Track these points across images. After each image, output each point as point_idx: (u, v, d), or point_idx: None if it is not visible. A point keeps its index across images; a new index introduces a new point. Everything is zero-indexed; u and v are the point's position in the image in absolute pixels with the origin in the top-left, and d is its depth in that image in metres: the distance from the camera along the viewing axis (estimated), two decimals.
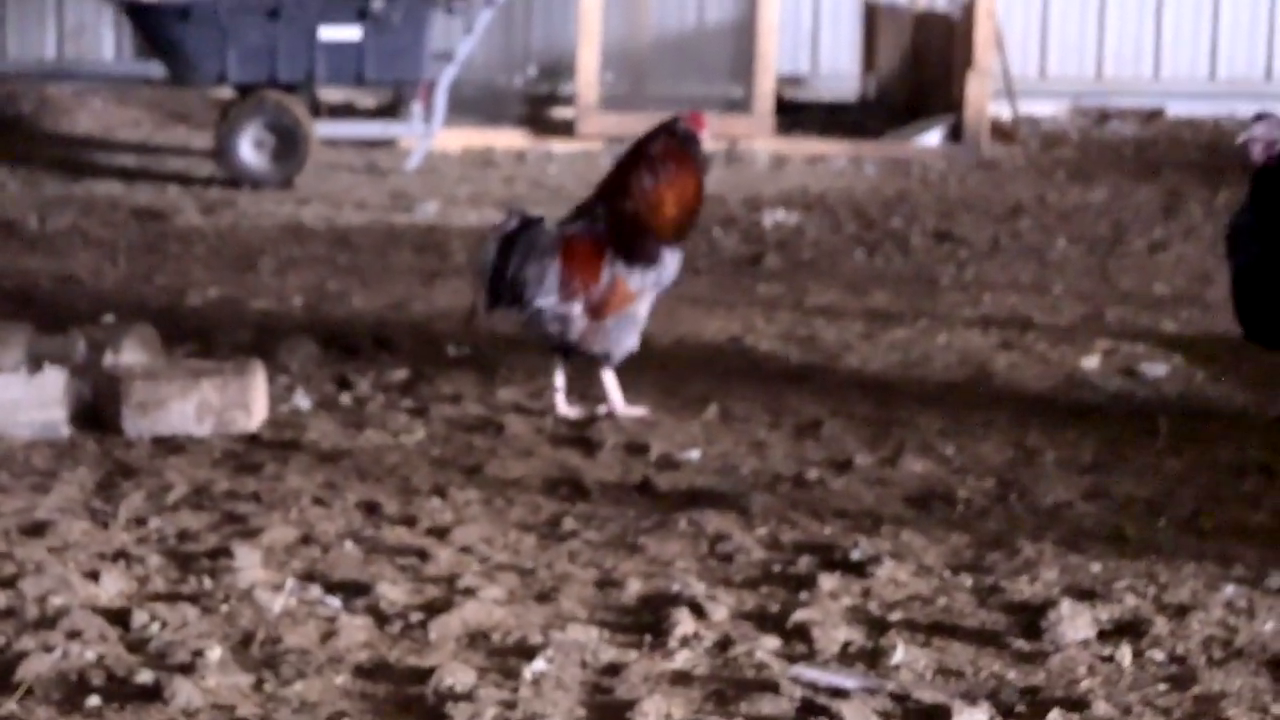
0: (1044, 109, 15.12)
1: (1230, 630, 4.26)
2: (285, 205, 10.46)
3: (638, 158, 6.14)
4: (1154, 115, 15.23)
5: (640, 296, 6.06)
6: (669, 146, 6.11)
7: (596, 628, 4.19)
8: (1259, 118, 6.08)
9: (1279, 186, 5.95)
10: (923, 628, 4.24)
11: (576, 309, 6.01)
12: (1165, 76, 16.19)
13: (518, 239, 5.96)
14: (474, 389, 6.36)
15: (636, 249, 6.04)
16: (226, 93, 11.95)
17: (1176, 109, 15.33)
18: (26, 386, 5.68)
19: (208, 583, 4.42)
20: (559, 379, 6.14)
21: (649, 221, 6.06)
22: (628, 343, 6.10)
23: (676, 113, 6.27)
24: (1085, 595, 4.42)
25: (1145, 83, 16.11)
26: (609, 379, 6.11)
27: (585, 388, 6.24)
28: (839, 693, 3.86)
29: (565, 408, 6.12)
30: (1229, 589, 4.51)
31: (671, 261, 6.09)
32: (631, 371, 6.21)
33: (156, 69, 11.73)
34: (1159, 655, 4.11)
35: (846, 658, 4.07)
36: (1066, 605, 4.24)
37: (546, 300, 5.99)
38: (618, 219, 6.08)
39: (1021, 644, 4.15)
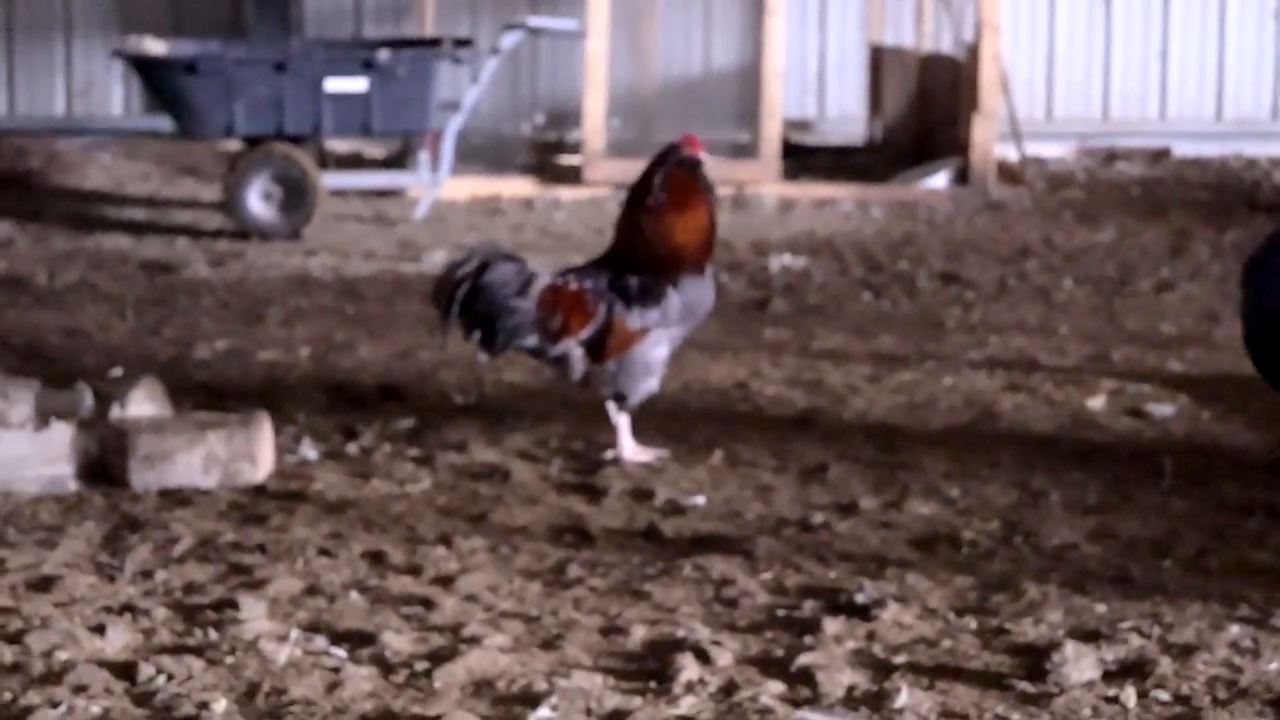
0: (1050, 150, 15.16)
1: (1235, 670, 4.25)
2: (293, 256, 10.50)
3: (637, 192, 6.13)
4: (1160, 155, 15.26)
5: (648, 336, 6.04)
6: (669, 174, 6.07)
7: (601, 674, 4.19)
8: None
9: None
10: (927, 670, 4.24)
11: (575, 351, 6.01)
12: (1171, 116, 16.22)
13: (483, 279, 5.95)
14: (480, 436, 6.37)
15: (632, 287, 6.01)
16: (234, 145, 12.01)
17: (1183, 149, 15.36)
18: (33, 442, 5.70)
19: (213, 635, 4.42)
20: (620, 421, 6.08)
21: (658, 254, 6.01)
22: (642, 386, 6.07)
23: (669, 142, 6.24)
24: (1090, 636, 4.42)
25: (1152, 123, 16.14)
26: (621, 422, 6.10)
27: (592, 433, 6.25)
28: None
29: (631, 452, 6.06)
30: (1234, 629, 4.51)
31: (678, 299, 6.03)
32: (637, 417, 6.22)
33: (165, 123, 11.79)
34: (1164, 695, 4.10)
35: (851, 701, 4.07)
36: (1071, 647, 4.24)
37: (524, 341, 5.98)
38: (621, 258, 6.08)
39: (1026, 686, 4.14)
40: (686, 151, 6.08)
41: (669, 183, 6.07)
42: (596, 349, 6.01)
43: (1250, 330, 5.67)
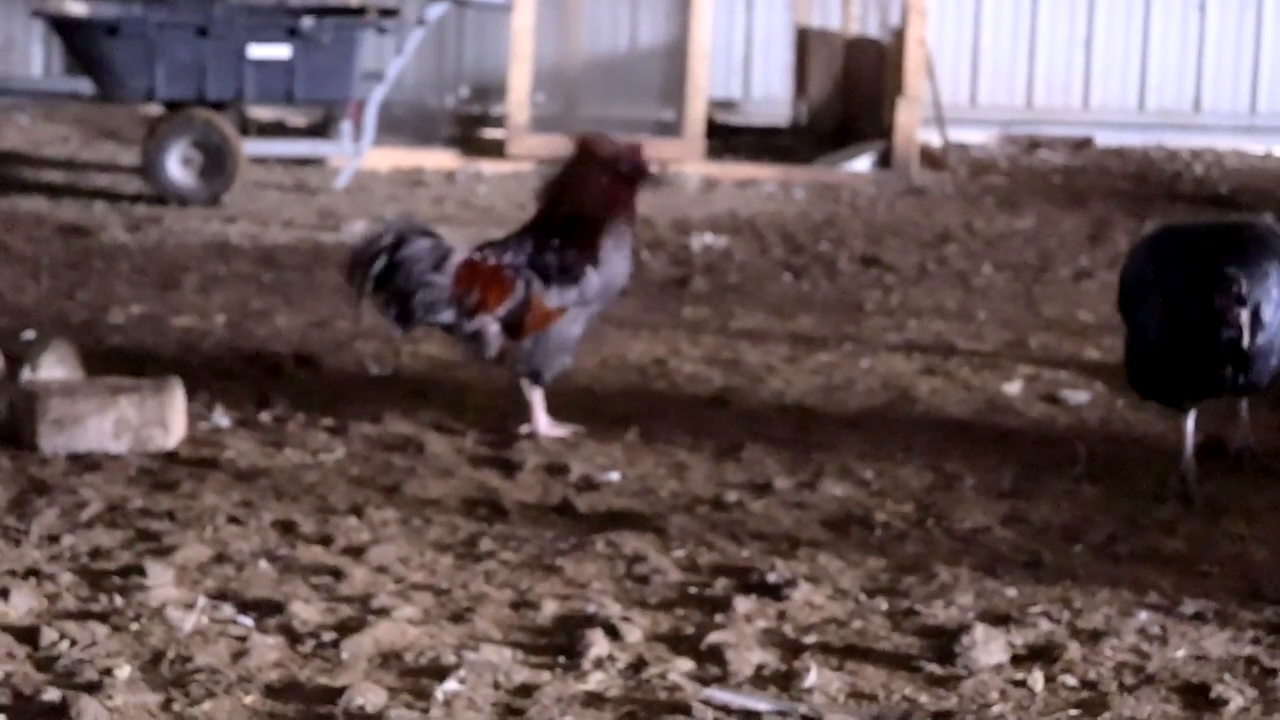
0: (973, 136, 15.20)
1: (1143, 656, 4.27)
2: (212, 223, 10.42)
3: (570, 174, 6.10)
4: (1083, 144, 15.33)
5: (565, 315, 6.02)
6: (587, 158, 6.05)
7: (510, 648, 4.18)
8: None
9: None
10: (837, 651, 4.24)
11: (492, 327, 5.98)
12: (1094, 106, 16.30)
13: (398, 253, 5.92)
14: (395, 408, 6.33)
15: (552, 265, 5.99)
16: (155, 109, 11.90)
17: (1105, 138, 15.44)
18: None
19: (119, 601, 4.38)
20: (534, 397, 6.07)
21: (595, 230, 5.97)
22: (557, 362, 6.06)
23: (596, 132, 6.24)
24: (1000, 620, 4.43)
25: (1075, 112, 16.22)
26: (534, 397, 6.08)
27: (508, 406, 6.22)
28: (751, 715, 3.86)
29: (546, 428, 6.05)
30: (1143, 615, 4.53)
31: (596, 278, 6.01)
32: (553, 392, 6.19)
33: (85, 85, 11.67)
34: (1071, 680, 4.12)
35: (760, 680, 4.06)
36: (980, 630, 4.25)
37: (438, 317, 5.96)
38: (538, 233, 6.05)
39: (935, 668, 4.15)
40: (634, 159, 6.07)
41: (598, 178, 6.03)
42: (514, 327, 5.99)
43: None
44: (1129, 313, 5.73)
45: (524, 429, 6.07)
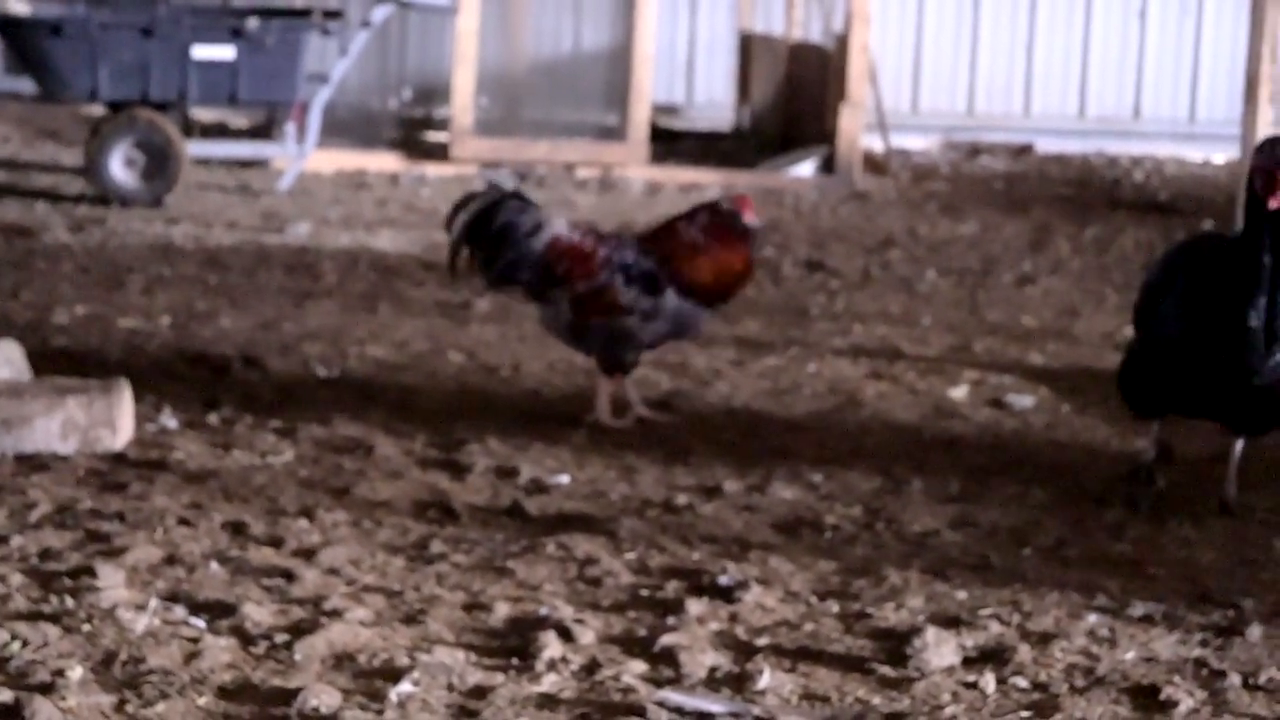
0: (916, 142, 15.28)
1: (1093, 658, 4.30)
2: (155, 224, 10.38)
3: (690, 215, 6.32)
4: (1024, 150, 15.42)
5: (634, 314, 6.19)
6: (714, 219, 6.26)
7: (463, 650, 4.17)
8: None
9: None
10: (789, 653, 4.26)
11: (564, 302, 6.23)
12: (1035, 113, 16.40)
13: (498, 212, 6.27)
14: (344, 410, 6.32)
15: (639, 268, 6.21)
16: (98, 110, 11.85)
17: (1046, 145, 15.53)
18: None
19: (70, 602, 4.36)
20: (601, 385, 6.35)
21: (684, 272, 6.20)
22: (617, 355, 6.28)
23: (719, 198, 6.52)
24: (950, 622, 4.46)
25: (1016, 118, 16.31)
26: (601, 386, 6.34)
27: (456, 408, 6.22)
28: (705, 717, 3.87)
29: (605, 416, 6.32)
30: (1092, 618, 4.56)
31: (675, 303, 6.21)
32: (504, 395, 6.20)
33: (27, 85, 11.60)
34: (1022, 682, 4.14)
35: (713, 682, 4.07)
36: (931, 632, 4.27)
37: (521, 275, 6.25)
38: (651, 246, 6.28)
39: (887, 670, 4.17)
40: (740, 212, 6.26)
41: (713, 227, 6.25)
42: (584, 307, 6.22)
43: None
44: (1147, 315, 5.54)
45: (588, 418, 6.29)
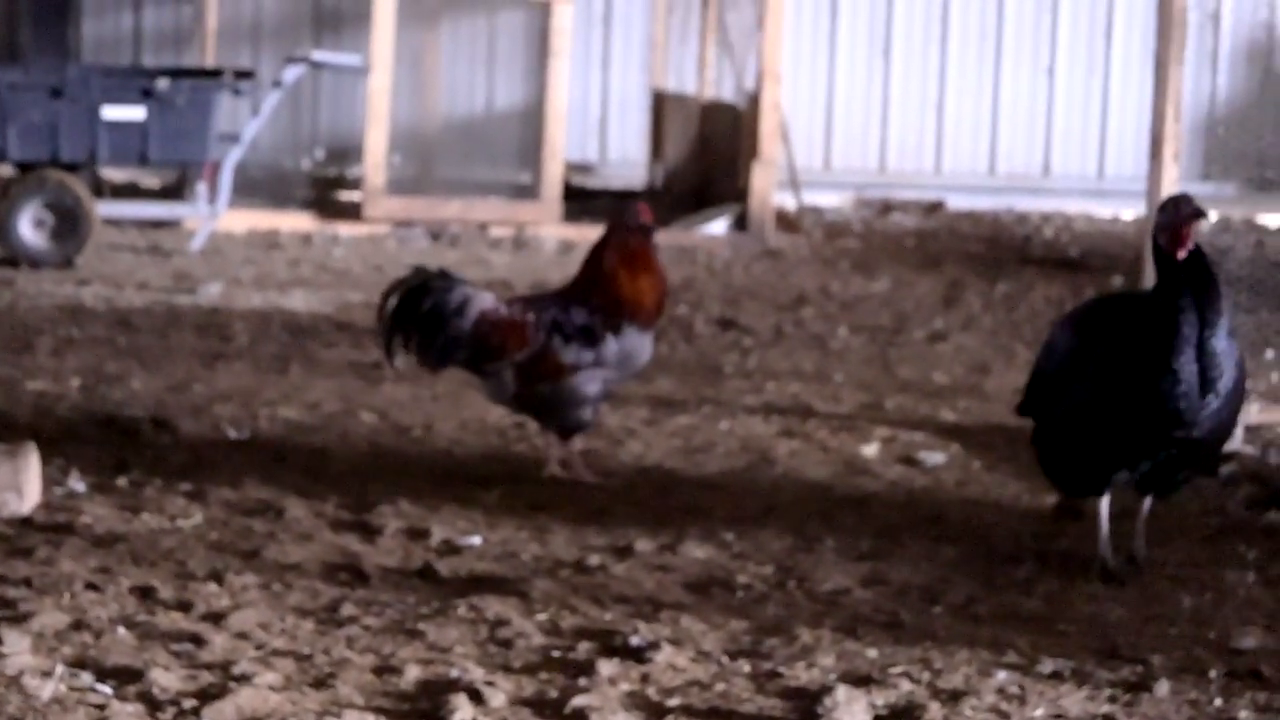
0: (828, 200, 15.34)
1: (1002, 716, 4.32)
2: (65, 285, 10.31)
3: (603, 246, 6.45)
4: (935, 207, 15.50)
5: (579, 373, 6.26)
6: (627, 236, 6.41)
7: (374, 714, 4.16)
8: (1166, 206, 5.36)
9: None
10: (701, 713, 4.25)
11: (506, 373, 6.28)
12: (946, 170, 16.51)
13: (424, 295, 6.31)
14: (254, 472, 6.29)
15: (572, 325, 6.28)
16: (6, 170, 11.78)
17: (957, 202, 15.62)
18: None
19: None
20: (552, 444, 6.45)
21: (609, 299, 6.31)
22: (573, 416, 6.35)
23: (625, 206, 6.67)
24: (861, 681, 4.46)
25: (927, 175, 16.42)
26: (552, 445, 6.44)
27: (368, 470, 6.19)
28: None
29: (554, 466, 6.44)
30: (1001, 675, 4.58)
31: (616, 345, 6.30)
32: (416, 456, 6.18)
33: None
34: None
35: None
36: (843, 691, 4.28)
37: (458, 355, 6.29)
38: (574, 294, 6.37)
39: None
40: (639, 218, 6.43)
41: (628, 243, 6.41)
42: (528, 375, 6.27)
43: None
44: (1052, 393, 5.55)
45: (546, 471, 6.39)
